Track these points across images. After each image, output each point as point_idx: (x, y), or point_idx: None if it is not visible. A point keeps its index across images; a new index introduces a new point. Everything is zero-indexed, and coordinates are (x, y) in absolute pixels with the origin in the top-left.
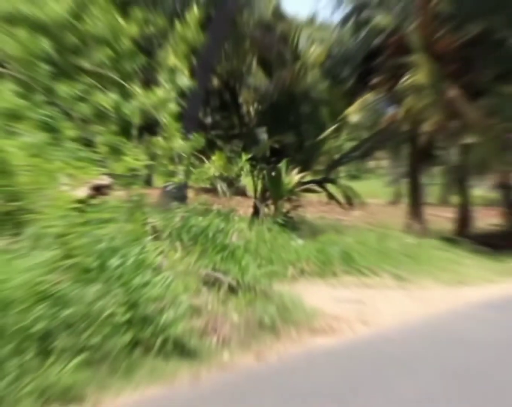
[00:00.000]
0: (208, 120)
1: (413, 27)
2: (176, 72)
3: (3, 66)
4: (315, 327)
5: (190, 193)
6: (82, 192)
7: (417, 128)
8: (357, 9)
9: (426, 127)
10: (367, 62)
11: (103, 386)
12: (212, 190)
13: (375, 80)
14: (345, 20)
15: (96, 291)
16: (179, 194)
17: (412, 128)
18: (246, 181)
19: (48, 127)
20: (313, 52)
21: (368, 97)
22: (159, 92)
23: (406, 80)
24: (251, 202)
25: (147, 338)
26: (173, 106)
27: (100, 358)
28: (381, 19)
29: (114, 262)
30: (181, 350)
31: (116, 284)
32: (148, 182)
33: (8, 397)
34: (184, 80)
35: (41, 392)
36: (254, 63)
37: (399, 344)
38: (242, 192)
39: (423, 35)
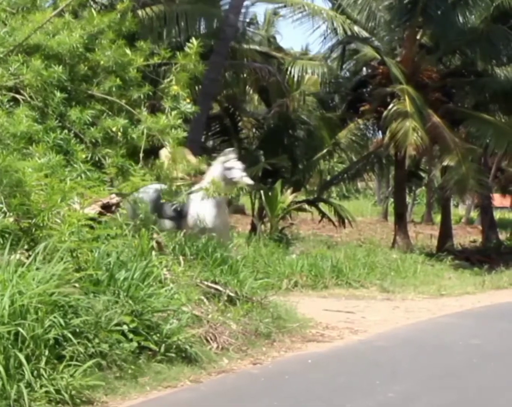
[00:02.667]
0: (210, 143)
1: (399, 59)
2: (179, 99)
3: (19, 93)
4: (308, 335)
5: None
6: (92, 210)
7: (402, 152)
8: (345, 42)
9: (411, 151)
10: (356, 91)
11: (111, 390)
12: None
13: (364, 108)
14: (334, 52)
15: (105, 302)
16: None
17: (398, 152)
18: (244, 200)
19: (61, 150)
20: (307, 81)
21: (358, 123)
22: (164, 118)
23: (392, 107)
24: (249, 220)
25: (152, 345)
26: (178, 132)
27: (108, 364)
28: (369, 51)
29: (121, 274)
30: (184, 356)
31: (123, 295)
32: None
33: (24, 400)
34: (187, 107)
35: (54, 395)
36: (252, 90)
37: (385, 350)
38: (240, 211)
39: (407, 66)
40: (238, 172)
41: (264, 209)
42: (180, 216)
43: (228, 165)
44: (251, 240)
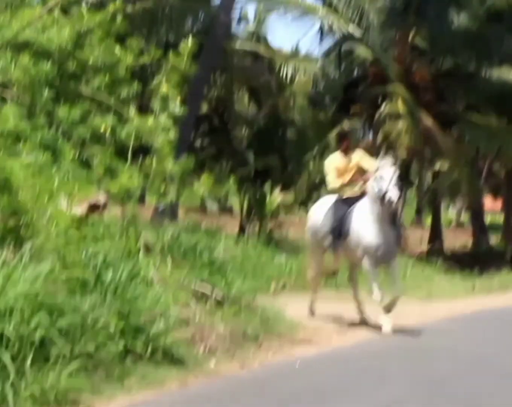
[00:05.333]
0: (198, 143)
1: (391, 59)
2: (169, 99)
3: (7, 90)
4: (296, 338)
5: (181, 212)
6: (80, 209)
7: (394, 154)
8: (339, 42)
9: (402, 153)
10: (348, 91)
11: (97, 391)
12: (201, 209)
13: (355, 108)
14: (327, 52)
15: (92, 302)
16: (170, 213)
17: (389, 153)
18: (233, 201)
19: (49, 148)
20: (298, 81)
21: (349, 124)
22: (153, 118)
23: (384, 108)
24: (237, 221)
25: (139, 347)
26: (167, 133)
27: (94, 365)
28: (362, 51)
29: (108, 275)
30: (170, 358)
31: (110, 295)
32: (141, 201)
33: (8, 401)
34: (176, 108)
35: (39, 396)
36: (243, 90)
37: (374, 354)
38: (229, 211)
39: (400, 67)
40: (385, 184)
41: (253, 210)
42: (339, 235)
43: (379, 173)
44: (239, 241)
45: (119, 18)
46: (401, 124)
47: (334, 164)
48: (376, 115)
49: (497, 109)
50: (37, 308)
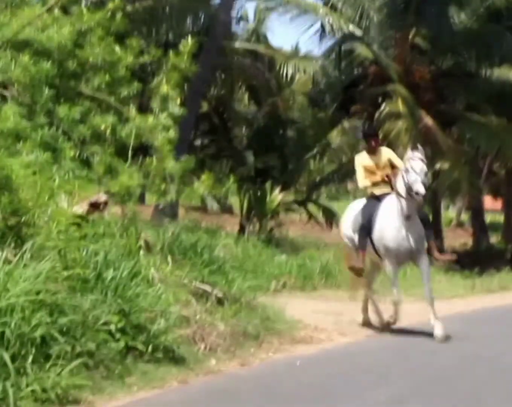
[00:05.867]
0: (198, 142)
1: (391, 59)
2: (169, 100)
3: (7, 89)
4: (296, 336)
5: (181, 211)
6: (80, 208)
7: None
8: (339, 42)
9: (402, 152)
10: (348, 91)
11: (98, 389)
12: (202, 208)
13: (355, 108)
14: (328, 51)
15: (92, 301)
16: (170, 212)
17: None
18: (233, 200)
19: (49, 147)
20: (298, 80)
21: (349, 123)
22: (153, 118)
23: (384, 108)
24: (237, 220)
25: (140, 345)
26: (167, 132)
27: (95, 363)
28: (362, 50)
29: (109, 274)
30: (171, 356)
31: (111, 294)
32: (141, 200)
33: (9, 399)
34: (176, 107)
35: (40, 394)
36: (242, 89)
37: (373, 352)
38: (229, 210)
39: (400, 66)
40: (413, 175)
41: (253, 209)
42: (366, 233)
43: (408, 165)
44: (239, 240)
45: (118, 16)
46: (401, 124)
47: (362, 163)
48: (376, 115)
49: (497, 108)
50: (38, 306)
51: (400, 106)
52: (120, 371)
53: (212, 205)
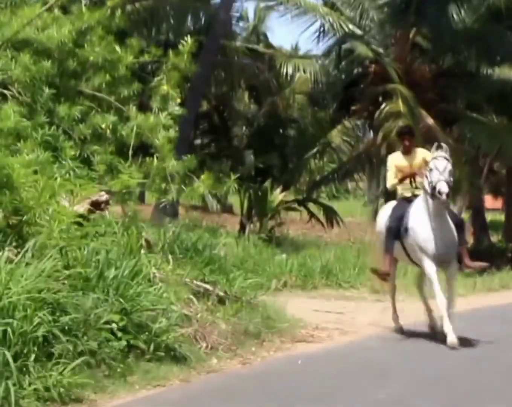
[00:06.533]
0: (198, 141)
1: (392, 58)
2: (169, 99)
3: (7, 89)
4: (297, 335)
5: (182, 210)
6: (82, 207)
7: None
8: (339, 41)
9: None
10: (348, 90)
11: (100, 388)
12: (202, 208)
13: (355, 107)
14: (328, 50)
15: (94, 299)
16: (171, 211)
17: (389, 152)
18: (233, 199)
19: (50, 146)
20: (298, 80)
21: (349, 122)
22: (153, 117)
23: (384, 107)
24: (238, 219)
25: (141, 344)
26: (168, 131)
27: (97, 362)
28: (362, 50)
29: (111, 272)
30: (173, 355)
31: (112, 293)
32: (141, 199)
33: (11, 397)
34: (175, 108)
35: (42, 393)
36: (242, 88)
37: (375, 352)
38: (229, 210)
39: (400, 65)
40: (436, 175)
41: (253, 208)
42: (395, 235)
43: (432, 165)
44: (240, 239)
45: (118, 13)
46: (401, 123)
47: (394, 163)
48: (377, 114)
49: (498, 108)
50: (40, 305)
51: (401, 105)
52: (122, 369)
53: (213, 204)
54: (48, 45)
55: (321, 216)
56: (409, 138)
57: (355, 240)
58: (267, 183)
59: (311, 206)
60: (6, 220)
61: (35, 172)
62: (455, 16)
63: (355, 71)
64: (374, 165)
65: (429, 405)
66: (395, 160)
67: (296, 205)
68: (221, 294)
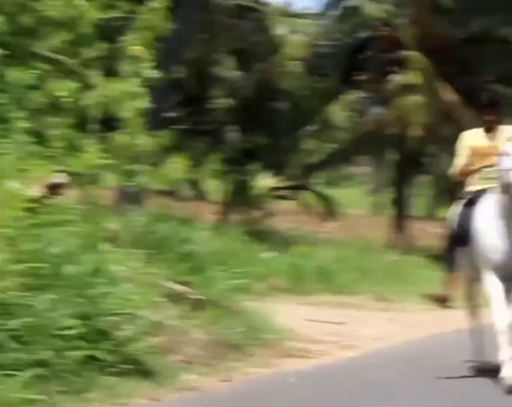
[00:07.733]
0: (173, 114)
1: (407, 20)
2: (140, 62)
3: None
4: (287, 349)
5: (151, 197)
6: (35, 191)
7: (405, 132)
8: None
9: (416, 131)
10: (352, 57)
11: (53, 405)
12: (172, 193)
13: (360, 77)
14: (329, 8)
15: (48, 300)
16: (137, 197)
17: (400, 132)
18: (212, 184)
19: None
20: (293, 43)
21: (352, 95)
22: (122, 83)
23: (396, 78)
24: (214, 208)
25: (103, 355)
26: (138, 101)
27: (51, 374)
28: (371, 8)
29: (68, 268)
30: (140, 369)
31: (70, 293)
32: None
33: None
34: (148, 72)
35: None
36: (227, 52)
37: (379, 370)
38: (206, 197)
39: (417, 29)
40: (507, 161)
41: (236, 196)
42: (458, 243)
43: (506, 150)
44: (219, 232)
45: None
46: (416, 98)
47: (470, 142)
48: (386, 86)
49: None
50: None
51: (416, 77)
52: (80, 384)
53: (187, 190)
54: None
55: (317, 206)
56: (493, 111)
57: (357, 236)
58: (254, 167)
59: (305, 194)
60: None
61: None
62: None
63: (362, 34)
64: (381, 147)
65: None
66: (472, 139)
67: (287, 193)
68: (198, 297)
